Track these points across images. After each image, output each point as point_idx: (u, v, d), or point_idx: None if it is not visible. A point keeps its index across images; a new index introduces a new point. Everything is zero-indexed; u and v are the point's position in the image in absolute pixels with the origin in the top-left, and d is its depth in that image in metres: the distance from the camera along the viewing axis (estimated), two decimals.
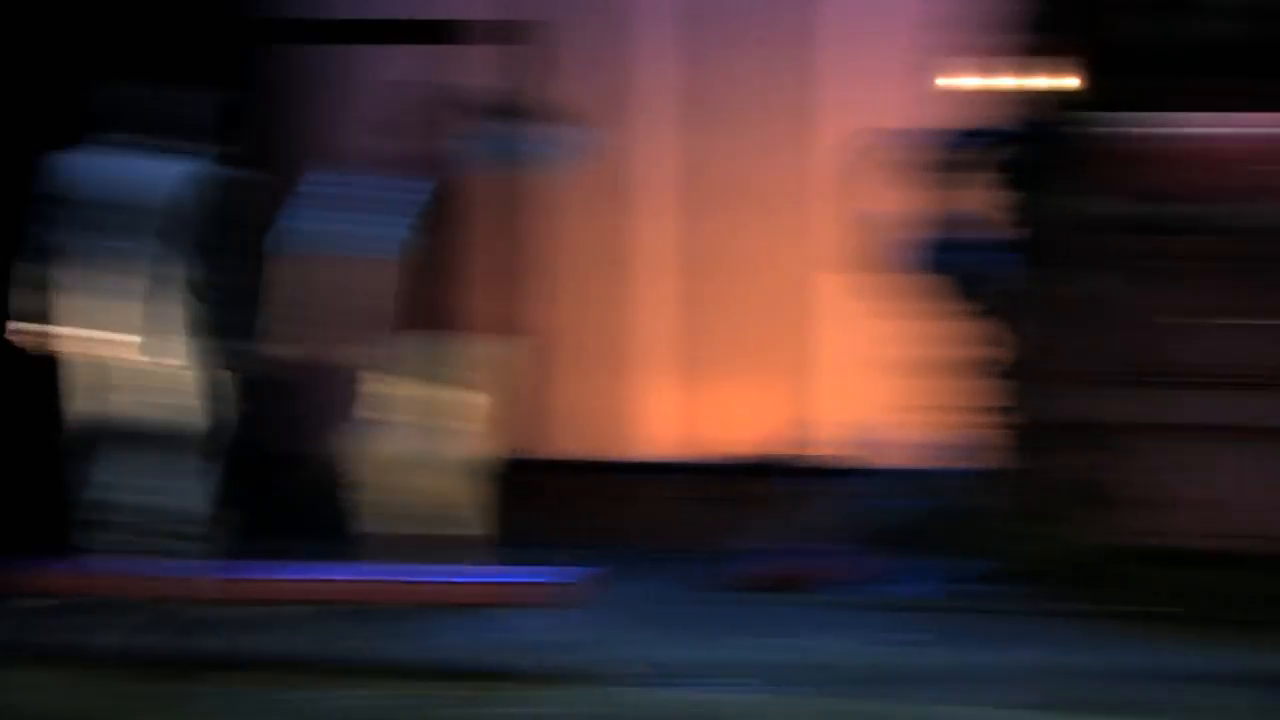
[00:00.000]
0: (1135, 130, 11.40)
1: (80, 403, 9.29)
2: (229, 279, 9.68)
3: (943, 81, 11.58)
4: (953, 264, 11.63)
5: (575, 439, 13.80)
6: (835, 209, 12.01)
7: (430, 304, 10.02)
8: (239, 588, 9.21)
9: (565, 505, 12.82)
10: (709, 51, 13.74)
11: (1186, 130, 11.37)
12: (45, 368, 9.41)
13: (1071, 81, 11.29)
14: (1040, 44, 11.29)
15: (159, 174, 9.67)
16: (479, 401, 9.81)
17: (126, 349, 9.28)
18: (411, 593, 9.35)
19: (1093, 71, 11.26)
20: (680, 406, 13.60)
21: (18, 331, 9.39)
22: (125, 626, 9.03)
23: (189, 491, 9.41)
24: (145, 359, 9.34)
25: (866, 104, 12.28)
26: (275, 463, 11.93)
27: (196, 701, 8.35)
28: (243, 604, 9.26)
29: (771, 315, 13.58)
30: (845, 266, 11.90)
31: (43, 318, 9.43)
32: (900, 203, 11.72)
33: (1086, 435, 11.39)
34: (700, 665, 9.13)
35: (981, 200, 11.54)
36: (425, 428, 9.77)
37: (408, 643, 9.20)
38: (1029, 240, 11.44)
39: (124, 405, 9.29)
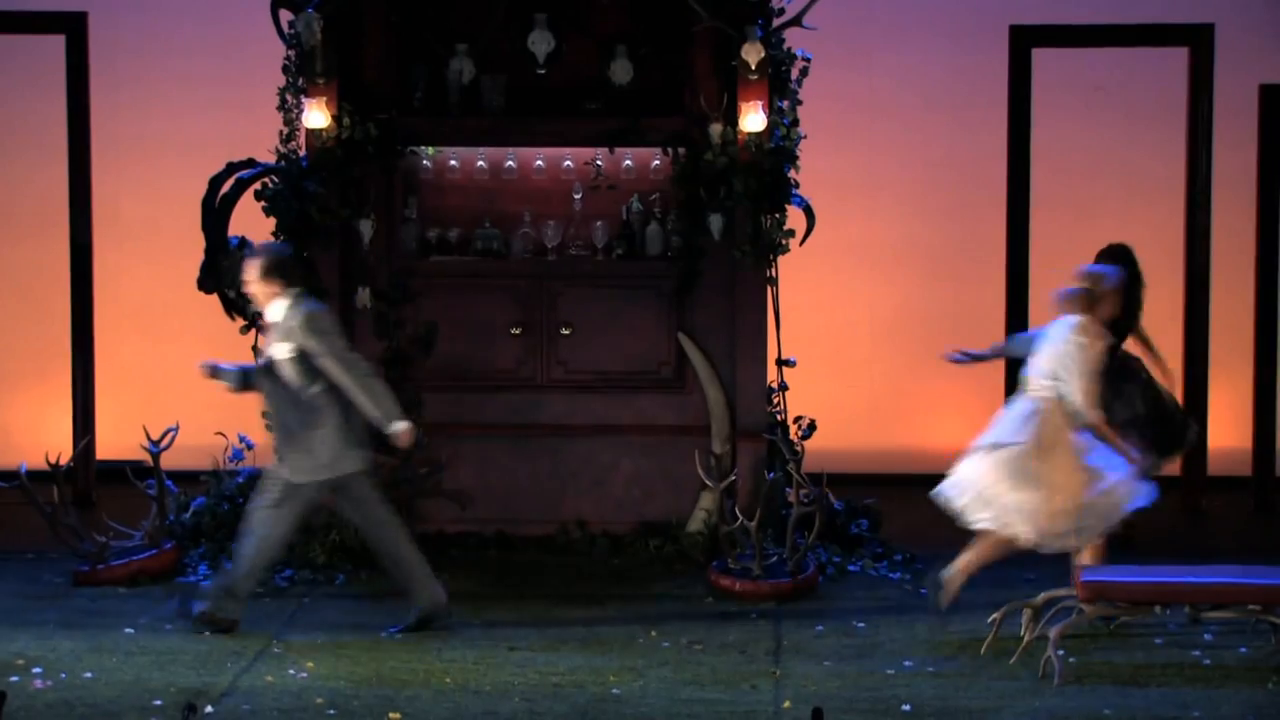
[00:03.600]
0: (418, 162, 12.06)
1: None
2: None
3: (302, 119, 11.71)
4: (224, 282, 11.80)
5: None
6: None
7: None
8: None
9: None
10: None
11: (450, 162, 12.08)
12: None
13: (325, 119, 11.63)
14: (303, 87, 11.73)
15: None
16: None
17: None
18: None
19: (358, 110, 11.70)
20: None
21: None
22: None
23: None
24: None
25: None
26: None
27: None
28: None
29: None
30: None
31: None
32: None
33: (381, 436, 11.10)
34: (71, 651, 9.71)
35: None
36: None
37: None
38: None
39: None
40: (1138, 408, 11.70)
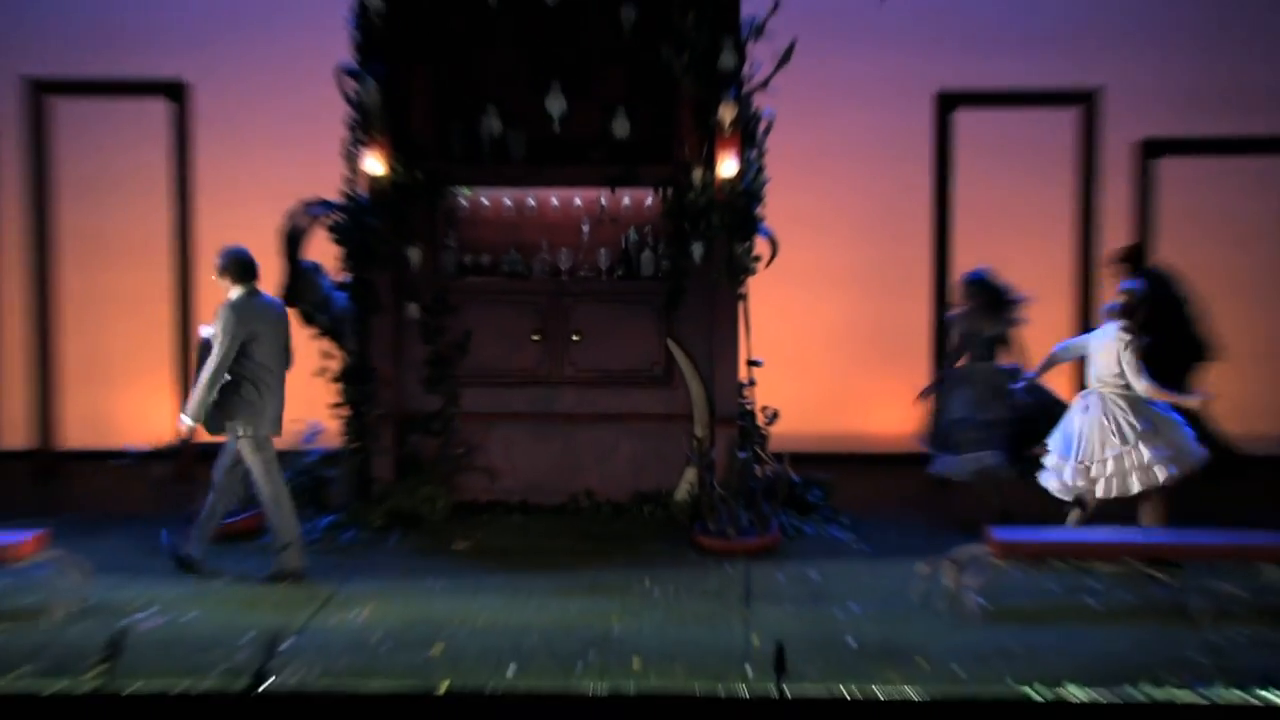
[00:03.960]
0: (456, 200, 12.04)
1: None
2: None
3: (362, 166, 11.67)
4: (301, 297, 11.79)
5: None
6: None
7: None
8: None
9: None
10: None
11: (482, 200, 12.10)
12: None
13: (381, 167, 11.58)
14: (363, 139, 11.68)
15: None
16: None
17: None
18: None
19: (407, 159, 11.68)
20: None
21: None
22: None
23: None
24: None
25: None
26: None
27: None
28: None
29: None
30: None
31: None
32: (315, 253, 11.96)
33: (428, 422, 11.91)
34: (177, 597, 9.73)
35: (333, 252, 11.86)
36: None
37: None
38: (361, 281, 11.77)
39: None
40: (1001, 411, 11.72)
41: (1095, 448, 10.52)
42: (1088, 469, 10.52)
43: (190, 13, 13.99)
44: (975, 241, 13.88)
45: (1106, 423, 10.53)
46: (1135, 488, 10.43)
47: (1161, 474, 10.40)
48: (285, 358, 10.50)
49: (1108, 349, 10.66)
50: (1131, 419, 10.50)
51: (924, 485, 12.87)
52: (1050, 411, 11.25)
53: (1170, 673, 8.41)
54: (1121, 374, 10.57)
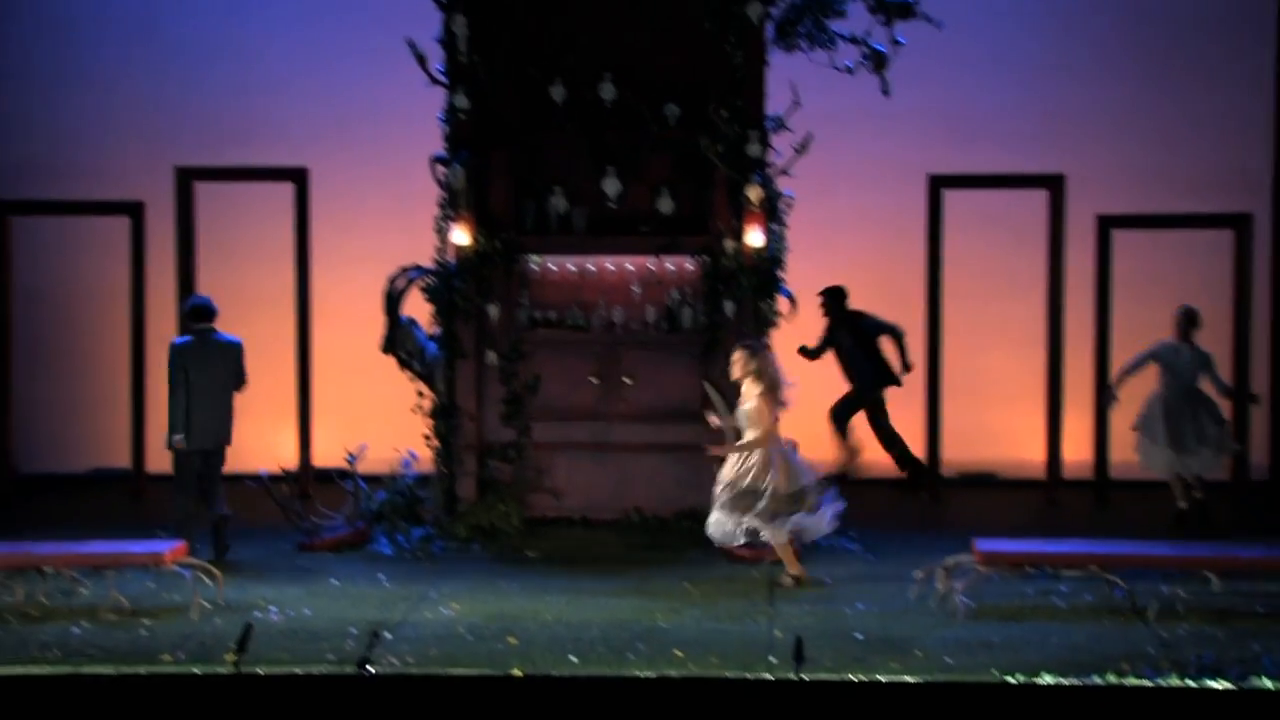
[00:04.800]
0: (528, 266, 11.98)
1: None
2: None
3: (450, 237, 11.64)
4: (399, 347, 11.95)
5: None
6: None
7: None
8: None
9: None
10: None
11: (550, 266, 12.03)
12: None
13: (466, 238, 11.54)
14: (451, 215, 11.70)
15: None
16: None
17: None
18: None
19: (488, 232, 11.69)
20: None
21: None
22: None
23: None
24: None
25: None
26: None
27: None
28: None
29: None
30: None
31: None
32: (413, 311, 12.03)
33: (504, 451, 11.83)
34: (296, 596, 9.77)
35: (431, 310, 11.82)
36: None
37: None
38: (449, 333, 11.73)
39: None
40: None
41: None
42: None
43: (310, 111, 14.09)
44: (962, 300, 13.83)
45: None
46: None
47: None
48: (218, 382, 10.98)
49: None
50: None
51: (919, 504, 12.76)
52: None
53: (1127, 663, 8.32)
54: None
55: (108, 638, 8.85)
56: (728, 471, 10.29)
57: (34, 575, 9.56)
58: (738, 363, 10.38)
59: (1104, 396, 13.02)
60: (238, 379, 11.09)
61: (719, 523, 10.29)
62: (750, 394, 10.31)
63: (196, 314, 11.03)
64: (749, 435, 10.27)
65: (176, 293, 13.56)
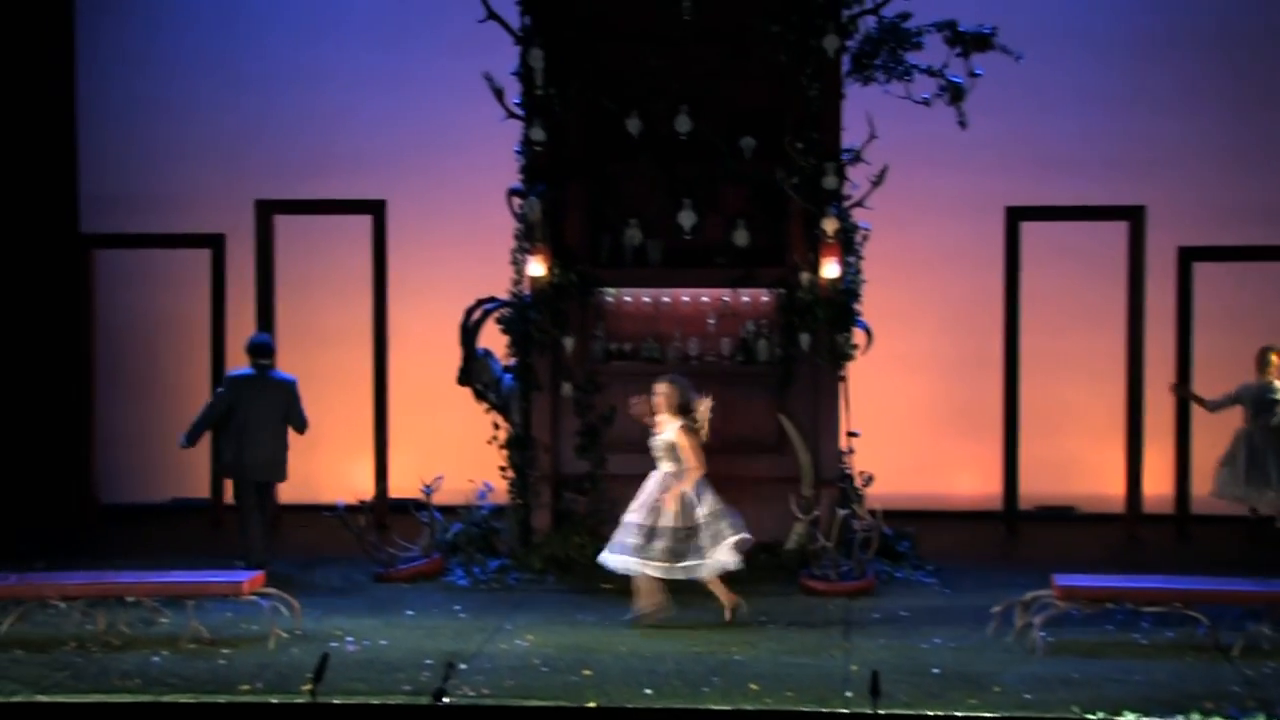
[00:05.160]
0: (603, 298, 12.01)
1: None
2: None
3: (526, 269, 11.68)
4: (475, 378, 11.99)
5: None
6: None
7: None
8: None
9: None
10: None
11: (625, 298, 12.06)
12: None
13: (542, 270, 11.57)
14: (527, 247, 11.71)
15: None
16: None
17: None
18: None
19: (564, 264, 11.73)
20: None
21: None
22: None
23: None
24: None
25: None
26: None
27: None
28: None
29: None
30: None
31: None
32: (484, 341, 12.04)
33: (579, 483, 11.83)
34: (372, 627, 9.81)
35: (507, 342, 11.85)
36: None
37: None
38: (524, 365, 11.76)
39: None
40: None
41: None
42: None
43: (388, 143, 14.21)
44: (1040, 333, 13.74)
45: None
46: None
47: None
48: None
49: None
50: None
51: (996, 537, 12.67)
52: None
53: (1211, 701, 8.20)
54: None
55: (187, 667, 8.93)
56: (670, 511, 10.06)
57: (116, 604, 9.67)
58: (662, 396, 10.25)
59: (1183, 389, 13.09)
60: (297, 419, 11.41)
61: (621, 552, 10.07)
62: (671, 426, 10.20)
63: (255, 351, 11.50)
64: (680, 468, 10.13)
65: (255, 324, 13.70)
